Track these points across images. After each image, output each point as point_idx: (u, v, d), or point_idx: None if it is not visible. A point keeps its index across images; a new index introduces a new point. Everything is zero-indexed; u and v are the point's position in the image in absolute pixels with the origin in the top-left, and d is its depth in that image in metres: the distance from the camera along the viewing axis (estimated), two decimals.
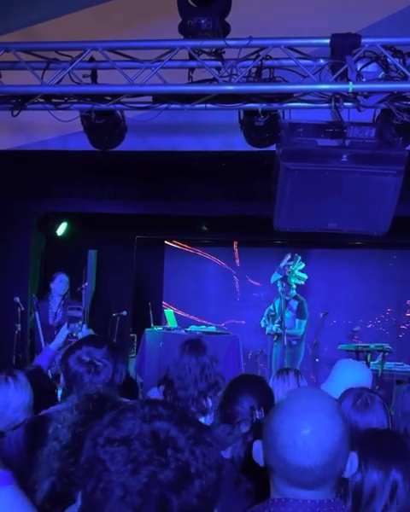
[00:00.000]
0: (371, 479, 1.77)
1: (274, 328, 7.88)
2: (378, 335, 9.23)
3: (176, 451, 1.03)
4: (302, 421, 1.35)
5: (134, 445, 1.02)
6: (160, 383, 3.51)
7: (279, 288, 8.01)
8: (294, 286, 8.04)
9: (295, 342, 7.76)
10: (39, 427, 2.04)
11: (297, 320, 7.81)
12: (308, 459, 1.33)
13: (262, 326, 8.24)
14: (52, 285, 7.03)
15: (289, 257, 8.30)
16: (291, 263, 8.20)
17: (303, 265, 8.36)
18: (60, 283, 6.99)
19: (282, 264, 8.20)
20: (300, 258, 8.34)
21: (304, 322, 7.91)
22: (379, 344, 7.89)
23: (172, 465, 1.01)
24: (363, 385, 3.18)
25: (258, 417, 2.40)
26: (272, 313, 8.06)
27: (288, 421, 1.37)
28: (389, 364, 7.62)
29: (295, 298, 8.01)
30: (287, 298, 7.93)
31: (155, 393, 3.42)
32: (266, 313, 8.18)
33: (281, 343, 7.71)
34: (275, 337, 7.91)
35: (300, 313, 7.87)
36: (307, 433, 1.34)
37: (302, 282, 8.32)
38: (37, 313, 6.61)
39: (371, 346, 7.72)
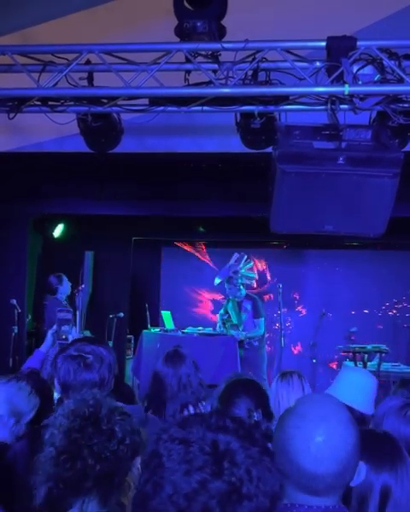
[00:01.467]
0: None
1: (241, 336, 7.52)
2: (375, 336, 9.25)
3: (232, 465, 1.01)
4: (317, 429, 1.36)
5: (192, 448, 1.02)
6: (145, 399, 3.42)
7: (226, 290, 7.84)
8: (241, 287, 7.80)
9: (256, 343, 7.65)
10: (38, 434, 2.04)
11: (255, 320, 7.64)
12: (321, 466, 1.34)
13: (219, 332, 7.93)
14: (61, 287, 7.02)
15: (236, 256, 8.15)
16: (236, 263, 8.05)
17: (251, 264, 8.19)
18: (67, 285, 7.01)
19: (228, 265, 8.05)
20: (246, 257, 8.17)
21: (261, 320, 7.69)
22: (376, 345, 7.91)
23: (224, 478, 1.00)
24: (369, 391, 3.18)
25: (255, 419, 2.40)
26: (224, 317, 7.78)
27: (303, 427, 1.37)
28: (385, 365, 7.64)
29: (248, 298, 7.78)
30: (237, 299, 7.74)
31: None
32: (219, 318, 7.89)
33: (242, 347, 7.57)
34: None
35: (255, 313, 7.67)
36: (321, 441, 1.35)
37: (252, 282, 8.15)
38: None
39: (368, 346, 7.74)
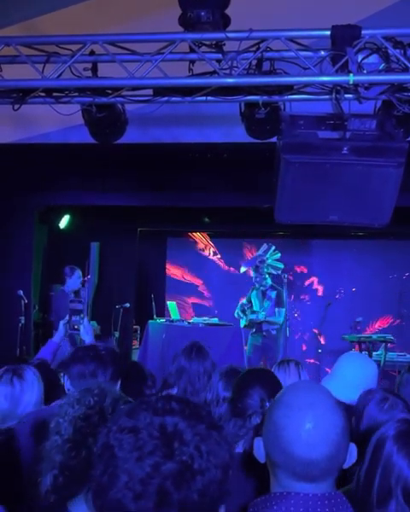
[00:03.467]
0: None
1: (261, 317, 7.67)
2: (381, 326, 9.26)
3: (181, 445, 1.04)
4: (306, 416, 1.38)
5: (141, 434, 1.05)
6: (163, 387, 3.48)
7: (253, 279, 7.96)
8: (267, 276, 7.95)
9: (274, 332, 7.73)
10: (44, 422, 2.06)
11: (276, 309, 7.75)
12: (315, 452, 1.36)
13: (236, 317, 8.06)
14: (70, 280, 7.03)
15: (264, 247, 8.26)
16: (264, 253, 8.15)
17: (279, 255, 8.29)
18: (78, 280, 7.00)
19: (256, 254, 8.18)
20: (274, 247, 8.27)
21: (283, 310, 7.82)
22: (381, 334, 7.92)
23: (175, 458, 1.03)
24: (368, 380, 3.15)
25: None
26: (247, 306, 7.89)
27: (291, 416, 1.39)
28: (391, 355, 7.64)
29: (272, 287, 7.92)
30: (262, 288, 7.86)
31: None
32: (239, 308, 8.00)
33: (261, 334, 7.66)
34: (253, 328, 7.76)
35: (278, 302, 7.80)
36: (311, 427, 1.37)
37: (279, 272, 8.26)
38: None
39: (374, 336, 7.75)
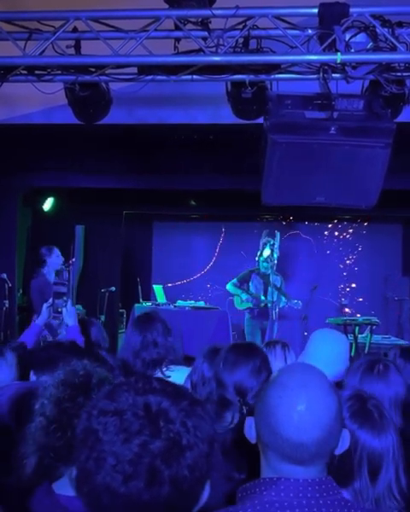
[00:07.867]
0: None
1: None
2: (366, 308, 9.30)
3: (167, 423, 1.04)
4: (299, 397, 1.35)
5: (126, 416, 1.04)
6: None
7: (267, 259, 7.76)
8: (276, 262, 7.82)
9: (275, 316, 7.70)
10: (26, 401, 2.03)
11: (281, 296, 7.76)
12: (305, 435, 1.32)
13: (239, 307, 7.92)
14: (49, 260, 6.86)
15: (267, 232, 8.14)
16: (272, 239, 8.02)
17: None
18: (57, 258, 6.82)
19: (263, 240, 8.03)
20: (279, 234, 8.18)
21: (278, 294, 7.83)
22: (367, 317, 7.95)
23: (163, 436, 1.03)
24: (341, 355, 3.14)
25: None
26: (242, 287, 7.81)
27: (284, 397, 1.36)
28: (376, 337, 7.69)
29: (275, 274, 7.84)
30: (266, 272, 7.74)
31: None
32: (236, 289, 7.90)
33: (266, 317, 7.63)
34: (254, 311, 7.66)
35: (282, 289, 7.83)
36: (303, 409, 1.33)
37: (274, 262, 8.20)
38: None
39: (359, 319, 7.78)
